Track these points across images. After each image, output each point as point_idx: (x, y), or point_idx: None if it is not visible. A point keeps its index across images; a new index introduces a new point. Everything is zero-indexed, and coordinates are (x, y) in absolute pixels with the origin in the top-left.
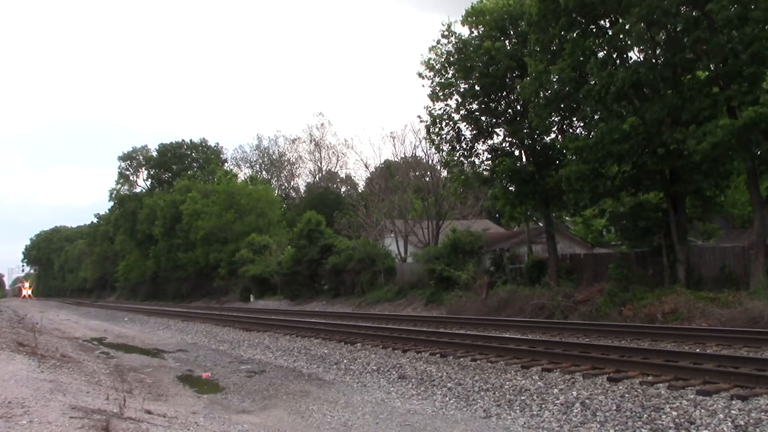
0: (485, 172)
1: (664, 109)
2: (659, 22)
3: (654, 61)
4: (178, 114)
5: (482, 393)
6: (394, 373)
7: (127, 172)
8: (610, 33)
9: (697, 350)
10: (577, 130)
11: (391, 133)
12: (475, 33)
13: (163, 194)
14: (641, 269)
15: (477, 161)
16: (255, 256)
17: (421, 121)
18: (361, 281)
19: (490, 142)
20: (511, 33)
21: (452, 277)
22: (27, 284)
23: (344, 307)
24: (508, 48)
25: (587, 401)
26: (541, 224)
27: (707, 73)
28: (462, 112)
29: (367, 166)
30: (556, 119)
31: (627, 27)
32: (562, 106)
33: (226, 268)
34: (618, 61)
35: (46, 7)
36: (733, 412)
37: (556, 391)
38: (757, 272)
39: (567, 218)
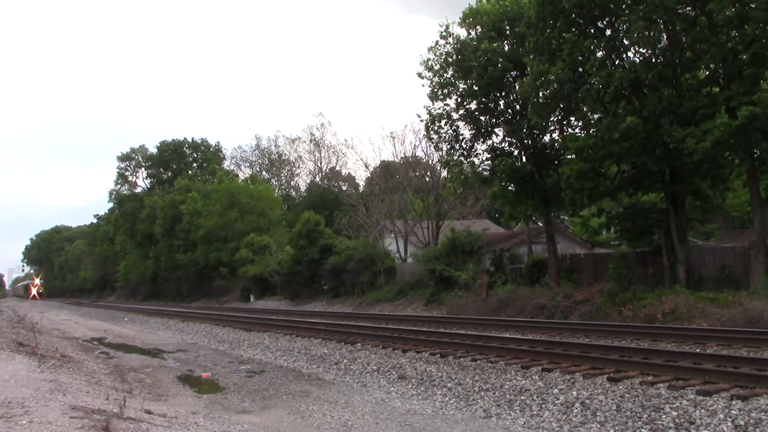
0: (485, 172)
1: (662, 102)
2: (660, 19)
3: (654, 60)
4: (178, 114)
5: (482, 393)
6: (394, 373)
7: (126, 173)
8: (609, 33)
9: (697, 350)
10: (576, 130)
11: (391, 133)
12: (473, 34)
13: (163, 194)
14: (641, 269)
15: (476, 161)
16: (255, 256)
17: (420, 120)
18: (361, 281)
19: (489, 141)
20: (509, 33)
21: (452, 277)
22: (37, 281)
23: (344, 307)
24: (506, 49)
25: (587, 401)
26: (540, 224)
27: (707, 72)
28: (461, 111)
29: (367, 166)
30: (555, 119)
31: (626, 26)
32: (561, 105)
33: (226, 268)
34: (617, 62)
35: (46, 7)
36: (733, 412)
37: (556, 391)
38: (757, 272)
39: (566, 218)
